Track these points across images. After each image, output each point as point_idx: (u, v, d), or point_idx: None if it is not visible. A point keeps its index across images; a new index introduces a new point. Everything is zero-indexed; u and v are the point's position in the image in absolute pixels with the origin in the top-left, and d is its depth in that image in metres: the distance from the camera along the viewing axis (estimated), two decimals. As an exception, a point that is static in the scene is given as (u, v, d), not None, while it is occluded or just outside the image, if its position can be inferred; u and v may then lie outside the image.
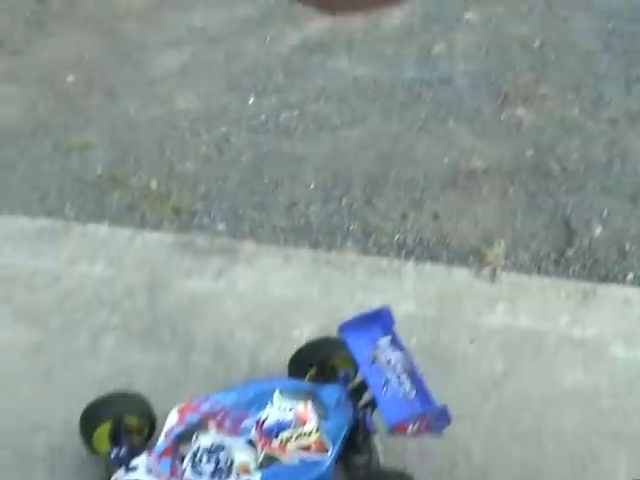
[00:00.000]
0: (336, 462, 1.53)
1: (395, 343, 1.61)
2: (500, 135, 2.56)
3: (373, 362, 1.59)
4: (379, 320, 1.64)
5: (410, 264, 2.12)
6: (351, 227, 2.25)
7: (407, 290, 2.01)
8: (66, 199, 2.34)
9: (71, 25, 2.99)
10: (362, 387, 1.63)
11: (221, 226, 2.26)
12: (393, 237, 2.23)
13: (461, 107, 2.67)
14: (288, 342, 1.83)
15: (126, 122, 2.60)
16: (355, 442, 1.58)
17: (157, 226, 2.24)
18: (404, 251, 2.18)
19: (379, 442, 1.58)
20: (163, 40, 2.93)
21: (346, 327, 1.63)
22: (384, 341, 1.62)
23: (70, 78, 2.75)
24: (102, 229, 2.22)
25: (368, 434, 1.57)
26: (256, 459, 1.50)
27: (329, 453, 1.51)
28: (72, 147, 2.48)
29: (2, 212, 2.25)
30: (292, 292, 2.04)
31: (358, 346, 1.62)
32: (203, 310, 1.99)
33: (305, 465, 1.50)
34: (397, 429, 1.48)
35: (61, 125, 2.57)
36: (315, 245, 2.19)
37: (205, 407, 1.59)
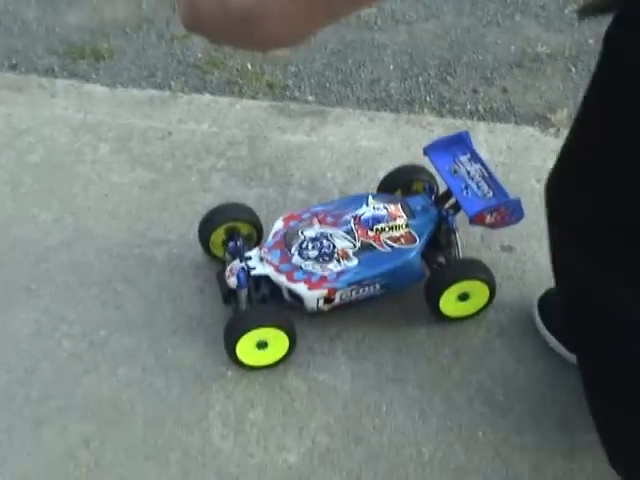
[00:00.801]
0: (422, 255, 1.79)
1: (474, 158, 1.86)
2: (564, 27, 2.79)
3: (454, 173, 1.84)
4: (459, 142, 1.89)
5: (482, 124, 2.37)
6: (427, 98, 2.49)
7: (479, 142, 2.25)
8: (171, 77, 2.62)
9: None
10: (445, 195, 1.88)
11: (311, 98, 2.52)
12: (466, 106, 2.47)
13: (528, 3, 2.90)
14: (374, 181, 2.06)
15: (221, 17, 2.86)
16: (439, 239, 1.83)
17: (253, 97, 2.51)
18: (476, 117, 2.42)
19: (459, 239, 1.82)
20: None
21: (430, 147, 1.89)
22: (464, 157, 1.87)
23: (169, -20, 3.03)
24: (205, 97, 2.49)
25: (451, 230, 1.82)
26: (354, 246, 1.76)
27: (416, 244, 1.77)
28: (174, 37, 2.76)
29: (116, 86, 2.53)
30: (376, 144, 2.29)
31: (440, 161, 1.87)
32: (298, 156, 2.25)
33: (395, 252, 1.75)
34: (477, 219, 1.73)
35: (163, 20, 2.85)
36: (395, 112, 2.44)
37: (307, 214, 1.86)
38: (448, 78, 2.54)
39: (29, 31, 2.81)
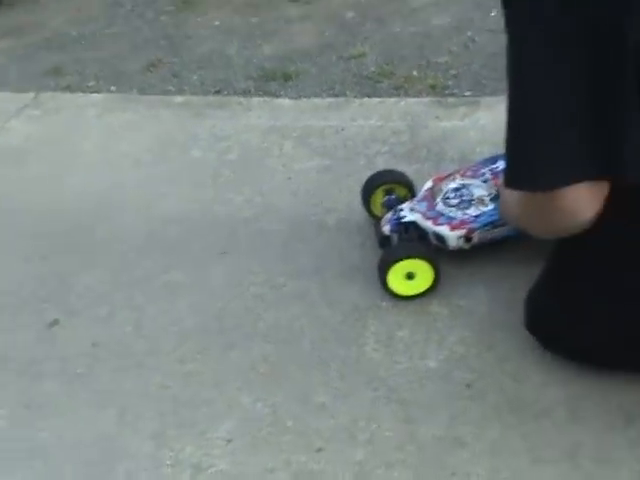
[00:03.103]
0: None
1: None
2: None
3: None
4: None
5: None
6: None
7: None
8: (347, 88, 3.03)
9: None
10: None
11: (468, 93, 2.84)
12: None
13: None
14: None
15: (393, 37, 3.26)
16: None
17: (417, 96, 2.86)
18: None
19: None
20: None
21: None
22: None
23: (350, 14, 3.47)
24: (374, 100, 2.87)
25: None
26: (490, 194, 2.05)
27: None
28: (351, 56, 3.18)
29: (301, 98, 2.97)
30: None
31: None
32: (452, 137, 2.56)
33: (526, 196, 2.02)
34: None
35: (342, 44, 3.28)
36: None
37: (451, 173, 2.17)
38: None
39: (231, 63, 3.32)
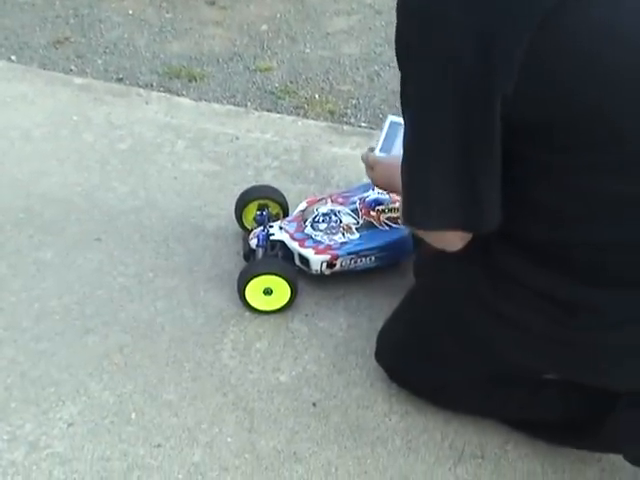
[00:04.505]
0: (413, 237, 2.10)
1: None
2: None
3: None
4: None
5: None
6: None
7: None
8: (249, 99, 3.06)
9: (269, -6, 3.80)
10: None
11: (364, 124, 2.92)
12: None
13: None
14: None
15: (301, 57, 3.32)
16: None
17: (315, 119, 2.92)
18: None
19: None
20: (338, 9, 3.67)
21: None
22: None
23: (264, 27, 3.50)
24: (273, 115, 2.92)
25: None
26: (357, 222, 2.11)
27: (411, 226, 2.09)
28: (258, 69, 3.22)
29: (202, 100, 2.99)
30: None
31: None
32: (341, 164, 2.63)
33: (392, 230, 2.09)
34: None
35: (251, 55, 3.31)
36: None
37: (324, 197, 2.23)
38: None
39: (138, 54, 3.31)
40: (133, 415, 1.81)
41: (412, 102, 1.26)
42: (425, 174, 1.29)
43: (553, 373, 1.62)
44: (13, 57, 3.23)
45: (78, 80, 3.07)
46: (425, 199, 1.32)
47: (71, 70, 3.17)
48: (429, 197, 1.31)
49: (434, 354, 1.69)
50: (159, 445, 1.74)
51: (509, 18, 1.10)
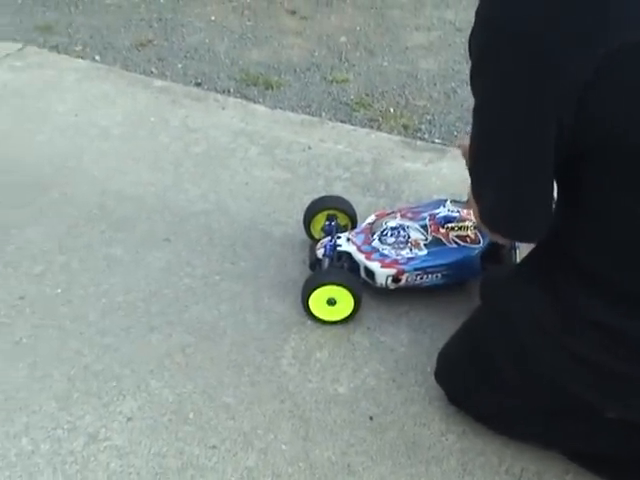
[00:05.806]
0: (482, 255, 2.08)
1: None
2: None
3: None
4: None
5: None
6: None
7: None
8: (323, 109, 3.08)
9: (351, 6, 3.82)
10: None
11: (437, 140, 2.91)
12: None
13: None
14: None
15: (379, 71, 3.33)
16: (498, 250, 2.12)
17: (388, 133, 2.93)
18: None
19: (518, 257, 2.10)
20: (418, 24, 3.67)
21: None
22: None
23: (342, 39, 3.53)
24: (347, 127, 2.93)
25: (512, 248, 2.11)
26: (426, 238, 2.10)
27: (480, 244, 2.07)
28: (334, 80, 3.23)
29: (277, 108, 3.02)
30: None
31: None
32: (412, 179, 2.62)
33: (460, 248, 2.05)
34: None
35: (329, 66, 3.34)
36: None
37: (394, 210, 2.22)
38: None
39: (217, 60, 3.36)
40: (191, 415, 1.82)
41: (485, 104, 1.27)
42: (485, 171, 1.34)
43: (617, 413, 1.56)
44: (97, 57, 3.30)
45: (158, 82, 3.12)
46: (478, 196, 1.38)
47: (152, 72, 3.23)
48: (482, 195, 1.36)
49: (493, 380, 1.66)
50: (214, 446, 1.76)
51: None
